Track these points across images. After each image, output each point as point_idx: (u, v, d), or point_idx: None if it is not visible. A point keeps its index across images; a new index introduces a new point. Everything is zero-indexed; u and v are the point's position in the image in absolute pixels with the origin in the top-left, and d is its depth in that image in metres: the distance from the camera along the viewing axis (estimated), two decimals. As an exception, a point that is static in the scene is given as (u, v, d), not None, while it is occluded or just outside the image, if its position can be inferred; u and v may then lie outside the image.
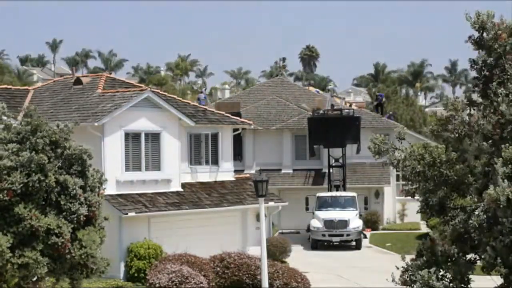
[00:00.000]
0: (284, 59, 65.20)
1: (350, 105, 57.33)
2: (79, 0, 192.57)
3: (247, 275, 28.52)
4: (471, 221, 14.54)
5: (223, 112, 37.96)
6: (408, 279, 14.89)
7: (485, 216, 14.81)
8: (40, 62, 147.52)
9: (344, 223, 41.36)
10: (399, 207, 52.03)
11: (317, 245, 41.63)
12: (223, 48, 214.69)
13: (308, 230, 43.07)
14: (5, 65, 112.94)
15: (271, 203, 35.39)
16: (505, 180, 12.95)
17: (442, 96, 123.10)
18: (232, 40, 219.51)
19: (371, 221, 49.03)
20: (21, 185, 17.01)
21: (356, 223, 41.85)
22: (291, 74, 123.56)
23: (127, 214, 29.93)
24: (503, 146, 13.35)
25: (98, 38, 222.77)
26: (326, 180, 50.13)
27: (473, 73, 14.78)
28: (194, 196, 33.11)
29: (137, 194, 31.46)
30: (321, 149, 47.77)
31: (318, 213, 42.36)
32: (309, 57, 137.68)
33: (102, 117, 30.53)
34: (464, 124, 14.99)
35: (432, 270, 14.44)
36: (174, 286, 26.27)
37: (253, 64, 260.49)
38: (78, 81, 36.22)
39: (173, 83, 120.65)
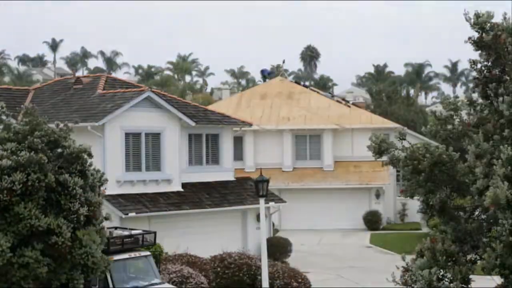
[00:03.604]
0: (283, 61, 65.40)
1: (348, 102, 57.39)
2: (79, 0, 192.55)
3: (247, 275, 28.52)
4: (471, 222, 14.58)
5: (224, 112, 37.98)
6: (408, 279, 14.90)
7: (484, 216, 14.84)
8: (40, 62, 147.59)
9: None
10: (399, 207, 52.09)
11: None
12: (223, 47, 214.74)
13: None
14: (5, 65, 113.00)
15: (272, 203, 35.39)
16: (505, 181, 12.96)
17: (443, 95, 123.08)
18: (233, 39, 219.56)
19: (371, 221, 49.11)
20: (21, 185, 17.01)
21: None
22: (291, 74, 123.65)
23: (127, 214, 29.95)
24: (502, 147, 13.35)
25: (98, 38, 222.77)
26: (326, 180, 50.28)
27: (474, 73, 14.79)
28: (194, 196, 33.12)
29: (137, 194, 31.47)
30: None
31: None
32: (310, 57, 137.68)
33: (102, 117, 30.54)
34: (464, 124, 15.01)
35: (433, 270, 14.45)
36: (175, 286, 26.27)
37: (253, 63, 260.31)
38: (78, 81, 36.25)
39: (176, 82, 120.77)
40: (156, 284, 24.18)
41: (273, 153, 50.96)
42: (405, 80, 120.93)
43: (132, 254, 23.88)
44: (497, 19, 14.42)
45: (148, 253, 24.79)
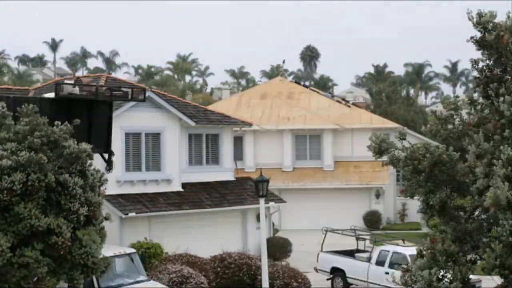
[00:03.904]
0: (283, 61, 65.66)
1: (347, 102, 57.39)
2: (79, 0, 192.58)
3: (247, 275, 28.53)
4: (471, 222, 14.56)
5: (224, 112, 38.00)
6: (408, 279, 14.90)
7: (485, 216, 14.83)
8: (40, 62, 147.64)
9: None
10: (399, 207, 52.09)
11: None
12: (223, 48, 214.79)
13: None
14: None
15: (272, 203, 35.40)
16: (505, 182, 12.95)
17: (443, 95, 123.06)
18: (233, 39, 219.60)
19: (371, 221, 49.08)
20: (21, 185, 17.00)
21: None
22: (290, 74, 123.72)
23: (127, 214, 29.95)
24: (502, 147, 13.35)
25: (98, 38, 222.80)
26: (326, 180, 50.28)
27: (474, 73, 14.78)
28: (194, 196, 33.12)
29: (137, 194, 31.47)
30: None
31: None
32: (310, 57, 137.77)
33: (102, 117, 30.50)
34: (464, 124, 15.00)
35: (433, 270, 14.44)
36: (175, 286, 26.28)
37: (253, 63, 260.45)
38: (78, 81, 36.19)
39: (176, 82, 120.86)
40: (141, 281, 24.38)
41: (273, 153, 50.97)
42: (405, 80, 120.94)
43: (117, 252, 24.29)
44: (500, 18, 14.42)
45: (133, 250, 25.60)
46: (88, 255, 17.81)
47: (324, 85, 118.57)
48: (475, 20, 14.19)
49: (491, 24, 14.13)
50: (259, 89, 59.13)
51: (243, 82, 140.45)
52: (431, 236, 15.37)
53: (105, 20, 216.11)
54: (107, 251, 20.59)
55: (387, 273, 29.11)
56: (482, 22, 14.12)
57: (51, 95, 20.82)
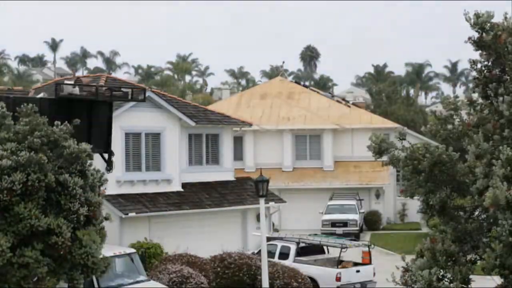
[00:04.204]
0: (283, 62, 65.84)
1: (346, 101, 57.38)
2: (79, 0, 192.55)
3: (247, 275, 28.51)
4: (471, 222, 14.57)
5: (224, 112, 38.01)
6: (408, 279, 14.91)
7: (484, 216, 14.85)
8: (40, 62, 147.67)
9: None
10: (399, 207, 52.08)
11: None
12: (223, 47, 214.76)
13: None
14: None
15: (272, 203, 35.39)
16: (504, 182, 12.96)
17: (443, 95, 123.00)
18: (233, 39, 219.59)
19: (371, 221, 49.08)
20: (21, 185, 17.01)
21: None
22: (290, 74, 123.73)
23: (127, 214, 29.95)
24: (501, 147, 13.36)
25: (98, 38, 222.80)
26: (326, 180, 50.27)
27: (474, 73, 14.80)
28: (194, 196, 33.12)
29: (137, 194, 31.46)
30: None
31: None
32: (310, 57, 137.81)
33: (102, 117, 30.49)
34: (464, 124, 15.02)
35: (433, 270, 14.45)
36: (175, 286, 26.28)
37: (253, 63, 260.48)
38: (78, 81, 36.19)
39: (176, 82, 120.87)
40: (141, 281, 24.40)
41: (273, 153, 50.99)
42: (405, 80, 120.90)
43: (117, 252, 24.34)
44: (497, 19, 14.44)
45: (133, 250, 25.64)
46: (88, 255, 17.81)
47: (324, 85, 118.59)
48: (472, 21, 14.22)
49: (488, 25, 14.16)
50: (259, 89, 59.16)
51: (243, 82, 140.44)
52: (431, 236, 15.38)
53: (105, 19, 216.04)
54: (107, 251, 20.61)
55: None
56: (480, 22, 14.15)
57: (41, 95, 20.85)
